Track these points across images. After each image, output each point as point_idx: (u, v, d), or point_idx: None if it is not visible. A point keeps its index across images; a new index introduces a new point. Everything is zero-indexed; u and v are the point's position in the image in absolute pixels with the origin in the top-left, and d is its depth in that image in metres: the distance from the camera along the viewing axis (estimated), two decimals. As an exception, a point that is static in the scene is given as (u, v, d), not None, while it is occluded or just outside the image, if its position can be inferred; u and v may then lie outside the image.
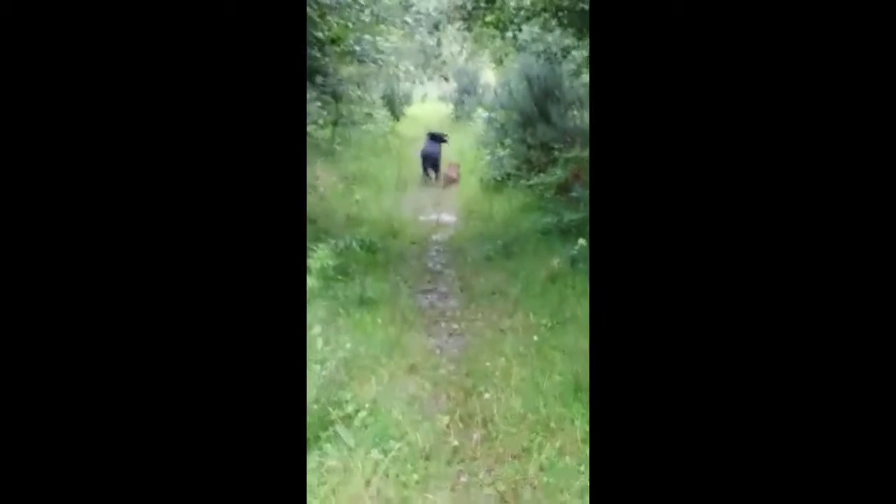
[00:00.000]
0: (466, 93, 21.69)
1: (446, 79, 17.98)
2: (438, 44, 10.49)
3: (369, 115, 15.33)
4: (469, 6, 8.44)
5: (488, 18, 8.57)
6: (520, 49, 10.43)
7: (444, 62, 16.52)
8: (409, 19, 10.96)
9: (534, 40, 9.77)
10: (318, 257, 4.48)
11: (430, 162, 13.61)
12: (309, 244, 5.17)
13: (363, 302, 6.33)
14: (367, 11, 9.04)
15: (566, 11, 7.96)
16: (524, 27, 8.95)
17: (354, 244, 7.81)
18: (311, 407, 3.89)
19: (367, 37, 9.37)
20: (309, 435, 3.74)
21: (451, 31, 12.19)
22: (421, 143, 14.27)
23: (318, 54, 8.48)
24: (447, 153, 14.29)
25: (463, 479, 3.57)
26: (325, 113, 9.69)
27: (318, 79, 8.80)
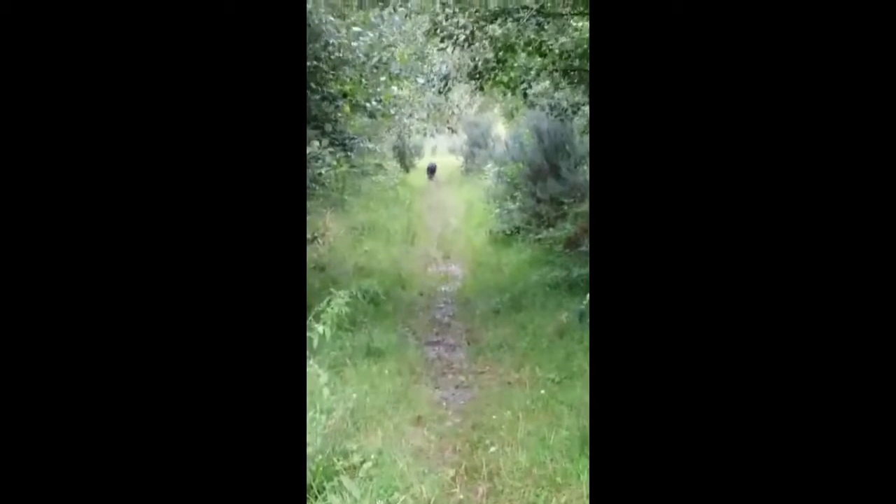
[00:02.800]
0: (477, 146, 21.89)
1: (453, 130, 18.15)
2: (446, 95, 10.59)
3: (379, 166, 15.47)
4: (480, 66, 8.55)
5: (499, 78, 8.67)
6: (530, 104, 10.56)
7: (452, 113, 16.71)
8: (420, 79, 11.13)
9: (544, 94, 9.88)
10: (336, 303, 4.44)
11: (431, 172, 23.21)
12: (323, 290, 5.17)
13: (370, 352, 6.32)
14: (381, 68, 9.17)
15: (576, 71, 8.07)
16: (535, 84, 9.07)
17: (360, 294, 7.82)
18: (316, 457, 3.87)
19: (379, 89, 9.50)
20: (313, 485, 3.72)
21: (463, 87, 12.38)
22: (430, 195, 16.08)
23: (330, 107, 8.60)
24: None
25: (468, 533, 3.53)
26: (335, 164, 9.77)
27: (329, 129, 8.89)
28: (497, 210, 13.12)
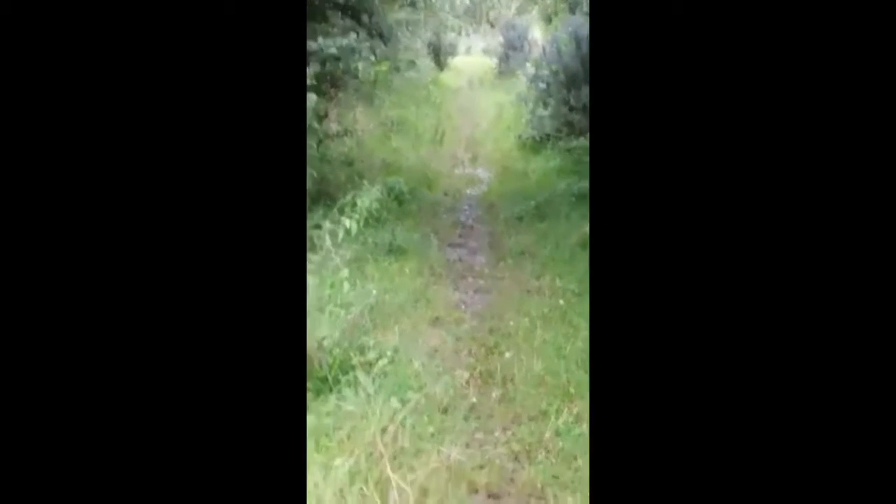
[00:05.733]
0: (512, 48, 21.41)
1: (492, 24, 17.58)
2: None
3: (413, 62, 15.16)
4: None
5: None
6: (570, 9, 10.24)
7: (493, 6, 16.27)
8: None
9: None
10: (368, 197, 4.40)
11: None
12: (349, 184, 5.14)
13: (392, 250, 6.34)
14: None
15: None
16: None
17: (385, 191, 7.77)
18: (333, 350, 3.91)
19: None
20: (329, 377, 3.76)
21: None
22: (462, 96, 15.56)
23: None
24: None
25: (478, 435, 3.58)
26: (371, 57, 9.58)
27: (365, 20, 8.69)
28: (528, 115, 12.87)
